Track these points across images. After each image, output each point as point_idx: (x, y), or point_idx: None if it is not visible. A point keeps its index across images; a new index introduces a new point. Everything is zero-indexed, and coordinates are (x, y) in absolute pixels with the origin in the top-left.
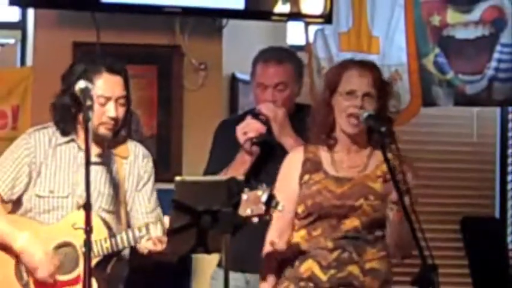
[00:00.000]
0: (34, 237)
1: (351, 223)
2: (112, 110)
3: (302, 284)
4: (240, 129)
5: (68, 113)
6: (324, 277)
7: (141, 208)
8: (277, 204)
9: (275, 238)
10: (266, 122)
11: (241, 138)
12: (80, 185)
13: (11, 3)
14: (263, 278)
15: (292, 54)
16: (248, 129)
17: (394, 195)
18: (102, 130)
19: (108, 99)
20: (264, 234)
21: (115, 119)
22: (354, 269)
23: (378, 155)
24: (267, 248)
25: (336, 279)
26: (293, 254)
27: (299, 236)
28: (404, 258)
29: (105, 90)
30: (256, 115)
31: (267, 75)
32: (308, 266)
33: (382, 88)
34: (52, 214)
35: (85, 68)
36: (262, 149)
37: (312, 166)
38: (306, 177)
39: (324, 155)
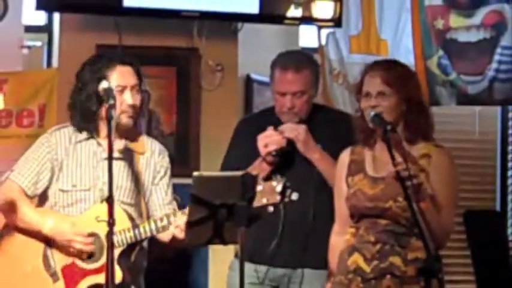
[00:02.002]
0: (60, 220)
1: (387, 220)
2: (129, 98)
3: (350, 276)
4: (261, 141)
5: (88, 112)
6: (367, 268)
7: (159, 200)
8: (291, 194)
9: (336, 236)
10: (290, 142)
11: (262, 150)
12: (101, 179)
13: (37, 7)
14: (328, 278)
15: (309, 59)
16: (269, 142)
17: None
18: (124, 119)
19: (124, 87)
20: (273, 227)
21: (133, 106)
22: (395, 259)
23: (413, 149)
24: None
25: (378, 269)
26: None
27: (350, 233)
28: (438, 249)
29: (119, 80)
30: (277, 127)
31: (285, 83)
32: (354, 259)
33: (398, 82)
34: (75, 207)
35: (100, 66)
36: (281, 158)
37: (355, 167)
38: (350, 179)
39: (367, 154)
